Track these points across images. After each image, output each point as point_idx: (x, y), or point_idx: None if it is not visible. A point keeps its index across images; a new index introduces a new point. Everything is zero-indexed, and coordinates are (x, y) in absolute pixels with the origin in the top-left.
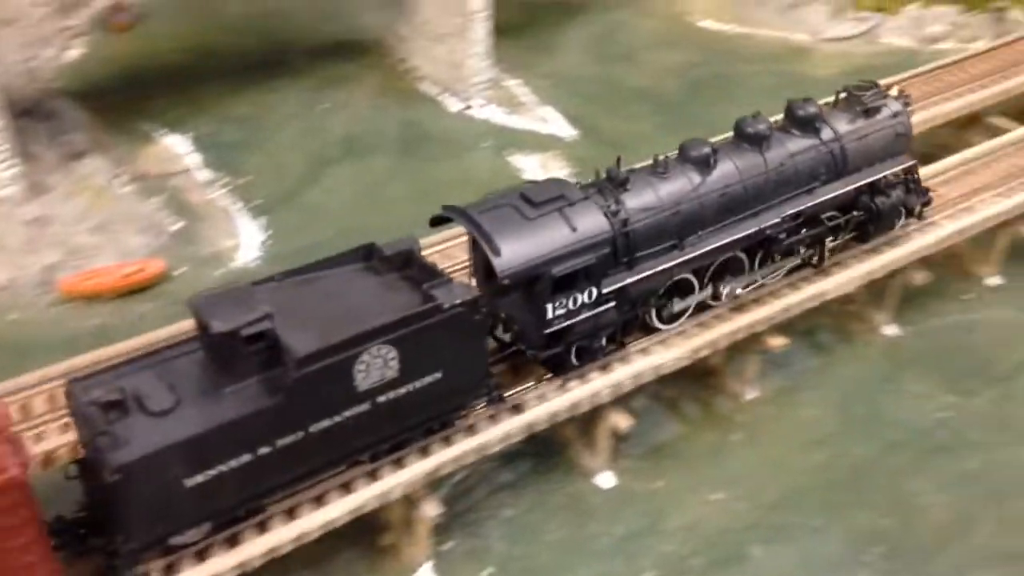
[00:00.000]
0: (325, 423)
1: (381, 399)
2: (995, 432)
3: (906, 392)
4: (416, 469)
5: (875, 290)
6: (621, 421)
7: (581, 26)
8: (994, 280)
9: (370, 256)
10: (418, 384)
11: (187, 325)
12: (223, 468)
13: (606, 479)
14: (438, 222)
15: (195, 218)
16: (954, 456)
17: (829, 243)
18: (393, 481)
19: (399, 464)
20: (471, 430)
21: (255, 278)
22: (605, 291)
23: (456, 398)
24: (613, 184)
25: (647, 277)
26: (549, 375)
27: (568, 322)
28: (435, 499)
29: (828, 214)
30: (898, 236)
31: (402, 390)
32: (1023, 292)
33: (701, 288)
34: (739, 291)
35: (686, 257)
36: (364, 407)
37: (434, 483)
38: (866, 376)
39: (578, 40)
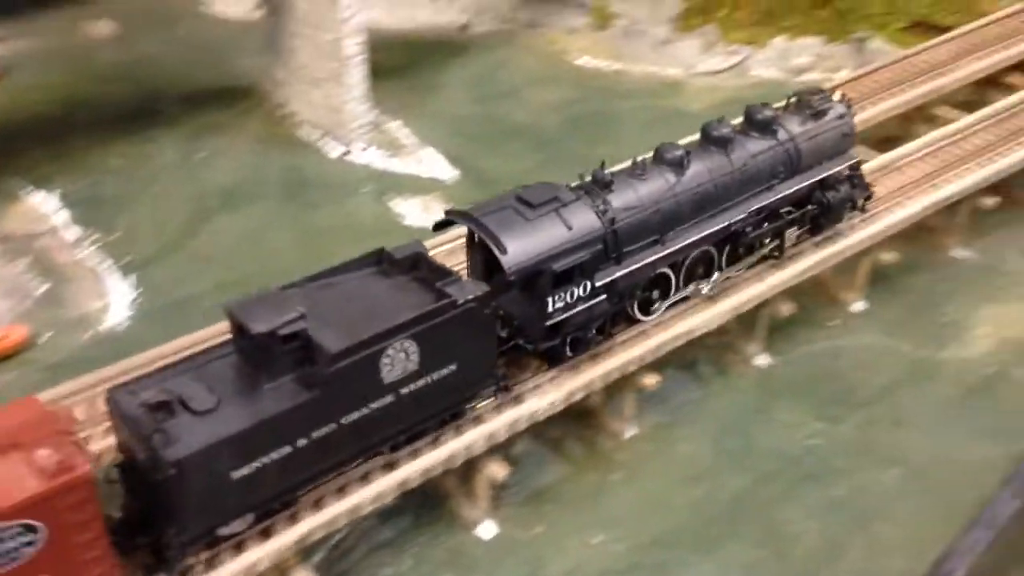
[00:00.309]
0: (355, 415)
1: (404, 391)
2: (859, 457)
3: (777, 421)
4: (285, 538)
5: (747, 322)
6: (499, 471)
7: (462, 66)
8: (858, 305)
9: (380, 261)
10: (436, 376)
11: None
12: (265, 461)
13: (487, 529)
14: (440, 226)
15: (62, 280)
16: (822, 483)
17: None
18: (259, 552)
19: (266, 534)
20: (343, 491)
21: (124, 340)
22: (598, 284)
23: (469, 388)
24: (599, 186)
25: (633, 271)
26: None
27: (566, 315)
28: (308, 566)
29: (786, 208)
30: (761, 271)
31: (422, 382)
32: (884, 316)
33: (677, 281)
34: (705, 289)
35: (666, 251)
36: (389, 399)
37: (307, 549)
38: (740, 407)
39: (459, 79)
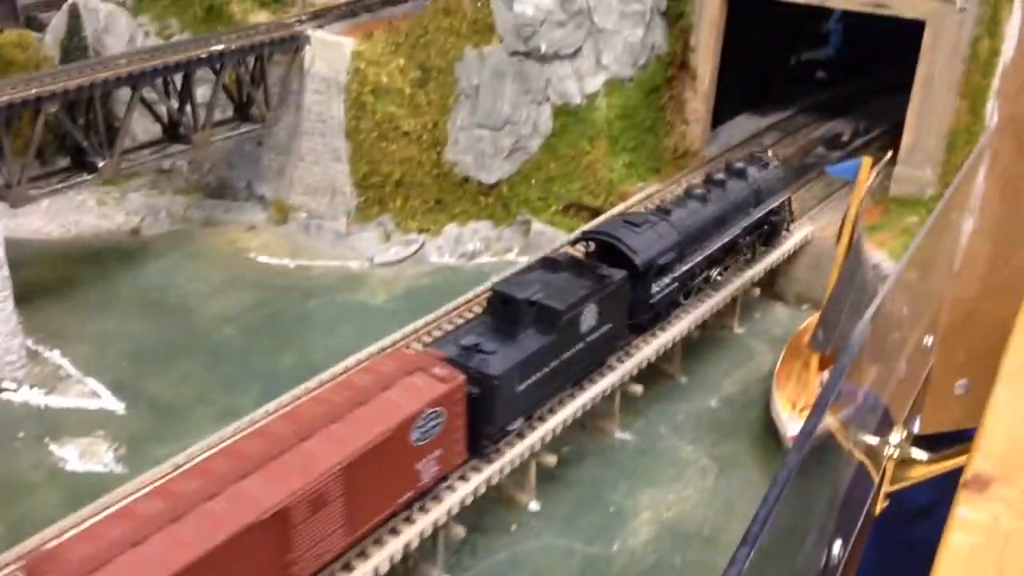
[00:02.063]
0: (567, 354)
1: (588, 339)
2: None
3: None
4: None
5: (427, 545)
6: None
7: (132, 275)
8: (534, 505)
9: (545, 264)
10: (601, 331)
11: None
12: (530, 381)
13: None
14: (576, 241)
15: None
16: None
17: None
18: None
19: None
20: None
21: None
22: (674, 275)
23: (612, 342)
24: (664, 212)
25: (690, 267)
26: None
27: (658, 296)
28: None
29: (754, 228)
30: (435, 494)
31: (596, 334)
32: (558, 513)
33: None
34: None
35: (704, 255)
36: (581, 345)
37: None
38: None
39: (129, 292)
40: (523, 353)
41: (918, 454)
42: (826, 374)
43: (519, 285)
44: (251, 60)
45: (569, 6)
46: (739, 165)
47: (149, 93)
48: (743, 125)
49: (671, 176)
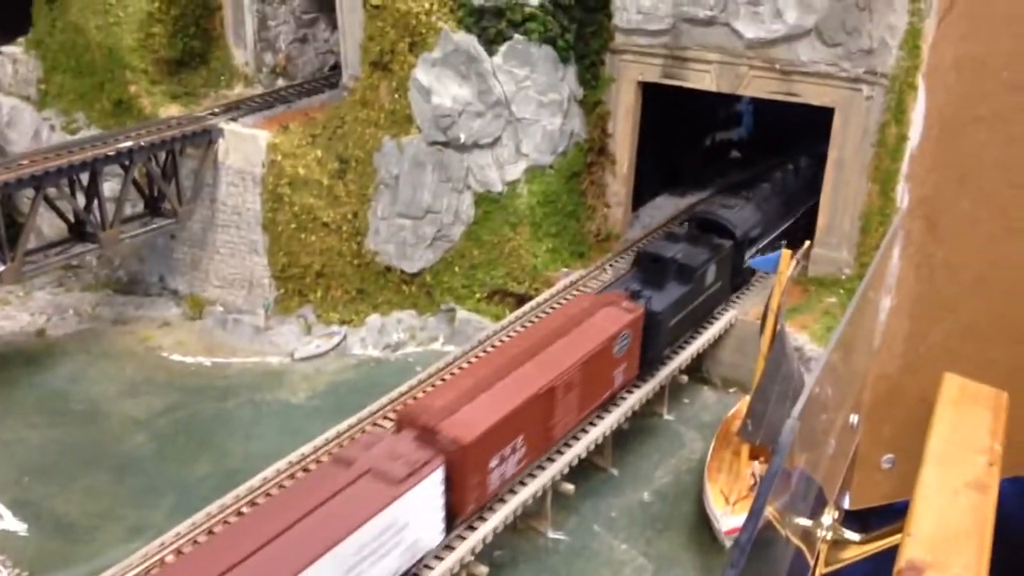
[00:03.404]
0: (697, 301)
1: (709, 291)
2: None
3: None
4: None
5: None
6: None
7: (33, 382)
8: None
9: (669, 236)
10: (717, 286)
11: None
12: (676, 319)
13: None
14: (689, 220)
15: None
16: None
17: None
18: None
19: None
20: None
21: None
22: (758, 247)
23: (720, 298)
24: (747, 198)
25: (768, 241)
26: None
27: (748, 263)
28: None
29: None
30: None
31: (712, 289)
32: None
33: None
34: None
35: (774, 234)
36: (704, 296)
37: None
38: None
39: (29, 400)
40: (671, 298)
41: (850, 535)
42: (756, 464)
43: (661, 247)
44: (162, 155)
45: (487, 97)
46: (790, 166)
47: (55, 190)
48: (663, 206)
49: (596, 260)
